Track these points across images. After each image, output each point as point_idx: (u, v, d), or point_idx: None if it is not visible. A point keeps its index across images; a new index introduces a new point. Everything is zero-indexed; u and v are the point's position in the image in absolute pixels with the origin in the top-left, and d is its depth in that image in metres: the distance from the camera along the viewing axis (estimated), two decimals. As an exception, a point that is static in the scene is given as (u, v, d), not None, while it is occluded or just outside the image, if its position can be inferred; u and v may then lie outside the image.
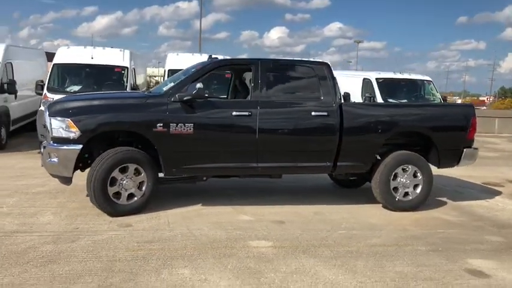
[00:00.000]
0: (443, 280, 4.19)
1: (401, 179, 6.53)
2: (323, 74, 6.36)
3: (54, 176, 5.87)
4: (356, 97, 13.45)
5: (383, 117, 6.49)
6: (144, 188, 5.89)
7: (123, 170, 5.75)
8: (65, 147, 5.62)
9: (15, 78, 11.67)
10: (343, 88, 13.70)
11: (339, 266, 4.42)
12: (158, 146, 5.80)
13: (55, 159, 5.65)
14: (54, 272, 4.03)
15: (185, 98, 5.74)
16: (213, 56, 7.05)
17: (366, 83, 13.48)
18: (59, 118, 5.65)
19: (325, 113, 6.23)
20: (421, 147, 6.89)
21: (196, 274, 4.10)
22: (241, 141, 6.07)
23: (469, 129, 6.77)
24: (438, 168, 6.97)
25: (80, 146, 5.59)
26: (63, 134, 5.62)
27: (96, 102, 5.94)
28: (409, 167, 6.54)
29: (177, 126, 5.77)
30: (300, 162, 6.32)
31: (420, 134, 6.70)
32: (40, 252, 4.49)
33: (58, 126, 5.65)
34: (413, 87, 13.74)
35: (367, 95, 12.99)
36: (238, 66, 6.95)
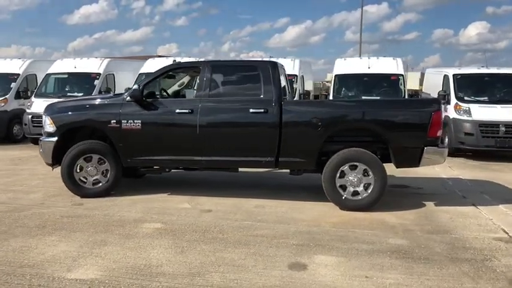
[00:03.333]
0: (249, 268, 4.28)
1: (349, 177, 6.35)
2: (266, 73, 6.60)
3: (46, 163, 7.32)
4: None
5: (323, 114, 6.42)
6: (108, 175, 6.97)
7: (90, 159, 6.92)
8: (47, 139, 7.05)
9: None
10: (430, 86, 12.99)
11: (183, 247, 4.81)
12: (113, 139, 6.83)
13: (41, 150, 7.12)
14: (-31, 229, 5.37)
15: (127, 99, 6.67)
16: (177, 60, 7.81)
17: (446, 79, 12.42)
18: (46, 116, 7.12)
19: (263, 110, 6.47)
20: (384, 146, 6.56)
21: (56, 241, 4.99)
22: (184, 136, 6.70)
23: (430, 126, 6.20)
24: (396, 167, 6.55)
25: (55, 139, 6.94)
26: (48, 129, 7.07)
27: (69, 104, 7.28)
28: (358, 164, 6.32)
29: (127, 122, 6.73)
30: (242, 157, 6.66)
31: (370, 131, 6.41)
32: (-14, 216, 5.92)
33: (46, 123, 7.12)
34: (503, 83, 12.13)
35: (440, 92, 12.01)
36: (189, 69, 7.56)
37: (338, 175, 6.34)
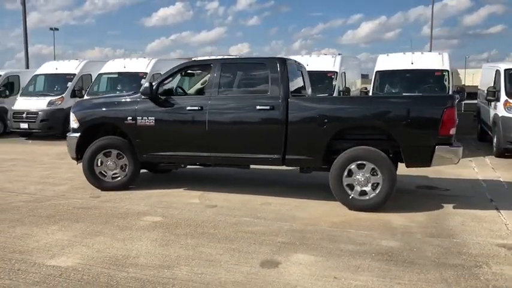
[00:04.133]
0: (221, 263, 4.29)
1: (357, 176, 6.18)
2: (274, 70, 6.56)
3: (71, 157, 7.75)
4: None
5: (329, 110, 6.30)
6: (127, 170, 7.28)
7: (109, 154, 7.26)
8: (72, 135, 7.48)
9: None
10: (485, 82, 12.32)
11: (168, 240, 4.92)
12: (130, 135, 7.11)
13: (68, 144, 7.57)
14: (-12, 216, 5.84)
15: (142, 96, 6.91)
16: (194, 58, 7.92)
17: (497, 74, 11.66)
18: (72, 113, 7.56)
19: (269, 107, 6.45)
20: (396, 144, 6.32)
21: (56, 230, 5.30)
22: (194, 133, 6.83)
23: (442, 124, 5.89)
24: (406, 167, 6.28)
25: (78, 134, 7.34)
26: (73, 125, 7.51)
27: (93, 101, 7.67)
28: (365, 163, 6.14)
29: (142, 119, 6.98)
30: (249, 154, 6.67)
31: (378, 128, 6.20)
32: (10, 205, 6.41)
33: (71, 119, 7.56)
34: None
35: (489, 88, 11.32)
36: (202, 67, 7.64)
37: (345, 174, 6.17)
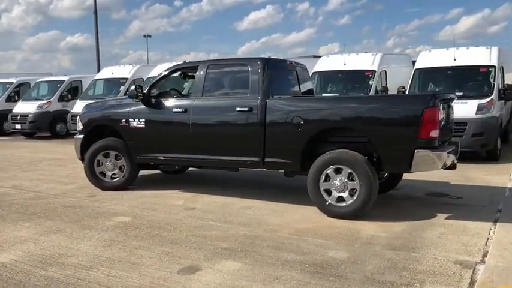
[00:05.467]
0: (142, 267, 4.23)
1: (334, 181, 5.85)
2: (255, 70, 6.40)
3: (78, 158, 8.13)
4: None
5: (305, 112, 6.01)
6: (124, 171, 7.51)
7: (108, 155, 7.54)
8: (77, 136, 7.87)
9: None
10: None
11: (114, 241, 4.97)
12: (124, 137, 7.32)
13: (74, 145, 7.97)
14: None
15: (135, 100, 7.07)
16: (187, 61, 7.90)
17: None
18: (78, 115, 7.96)
19: (247, 108, 6.31)
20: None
21: (26, 227, 5.56)
22: (180, 135, 6.87)
23: (421, 125, 5.38)
24: (387, 172, 5.83)
25: (82, 136, 7.71)
26: (79, 127, 7.90)
27: (96, 105, 8.00)
28: (343, 168, 5.79)
29: (134, 121, 7.17)
30: (231, 156, 6.57)
31: (356, 130, 5.82)
32: (11, 202, 6.87)
33: (78, 121, 7.96)
34: None
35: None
36: (191, 69, 7.56)
37: (322, 179, 5.85)
